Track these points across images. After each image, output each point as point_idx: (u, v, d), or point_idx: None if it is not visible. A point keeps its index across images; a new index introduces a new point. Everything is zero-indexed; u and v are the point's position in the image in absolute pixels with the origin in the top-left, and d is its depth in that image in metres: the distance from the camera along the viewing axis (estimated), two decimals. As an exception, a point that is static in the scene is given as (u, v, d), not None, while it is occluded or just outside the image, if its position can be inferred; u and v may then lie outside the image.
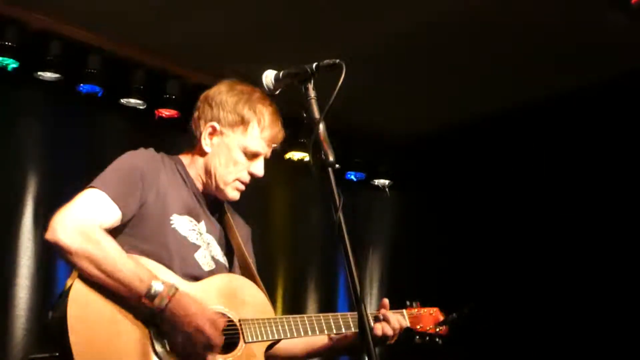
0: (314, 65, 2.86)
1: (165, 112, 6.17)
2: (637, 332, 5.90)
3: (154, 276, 3.03)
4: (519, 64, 6.04)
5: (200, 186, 3.49)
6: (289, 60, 3.23)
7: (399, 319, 3.61)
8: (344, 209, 2.64)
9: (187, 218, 3.35)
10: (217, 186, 3.46)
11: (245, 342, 3.22)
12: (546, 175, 6.58)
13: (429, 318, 3.82)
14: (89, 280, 3.02)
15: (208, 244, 3.40)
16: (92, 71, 5.91)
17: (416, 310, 3.80)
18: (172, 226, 3.28)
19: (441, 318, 3.85)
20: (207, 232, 3.43)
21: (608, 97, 6.18)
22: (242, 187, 3.49)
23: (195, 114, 3.53)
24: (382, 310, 3.59)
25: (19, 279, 5.50)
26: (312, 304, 7.05)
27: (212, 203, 3.54)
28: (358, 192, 7.53)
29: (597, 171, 6.25)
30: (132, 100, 6.12)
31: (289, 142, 6.90)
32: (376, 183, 7.69)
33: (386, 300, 3.64)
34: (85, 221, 3.06)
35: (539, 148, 6.62)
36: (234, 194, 3.48)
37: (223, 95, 3.50)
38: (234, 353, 3.19)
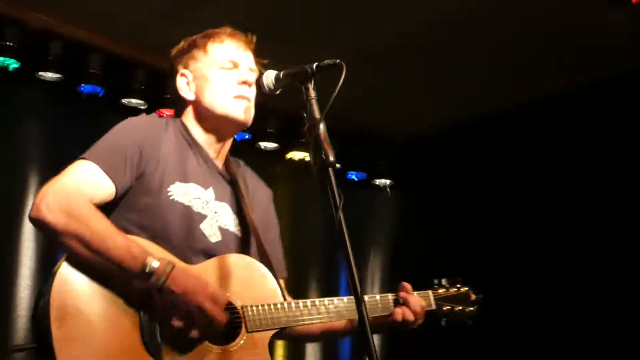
0: (314, 65, 2.86)
1: (167, 112, 6.15)
2: (637, 331, 5.91)
3: (148, 252, 2.87)
4: (519, 63, 6.04)
5: (207, 147, 3.34)
6: (289, 60, 3.24)
7: (420, 302, 3.42)
8: (344, 209, 2.63)
9: (192, 185, 3.20)
10: (219, 117, 3.29)
11: (247, 331, 3.04)
12: (547, 174, 6.58)
13: (459, 298, 3.63)
14: (77, 262, 2.88)
15: (216, 212, 3.24)
16: (93, 71, 5.92)
17: (444, 290, 3.62)
18: (172, 197, 3.12)
19: (473, 298, 3.65)
20: (217, 199, 3.27)
21: (608, 97, 6.19)
22: (244, 102, 3.31)
23: (172, 84, 3.45)
24: (402, 293, 3.42)
25: (20, 279, 5.50)
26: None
27: (224, 166, 3.39)
28: (359, 192, 7.54)
29: (597, 170, 6.25)
30: (134, 100, 6.13)
31: (289, 142, 6.95)
32: (377, 183, 7.70)
33: (407, 284, 3.46)
34: (72, 196, 2.91)
35: (540, 147, 6.63)
36: (239, 112, 3.29)
37: (177, 49, 3.45)
38: (234, 343, 3.01)
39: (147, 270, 2.83)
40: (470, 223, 6.97)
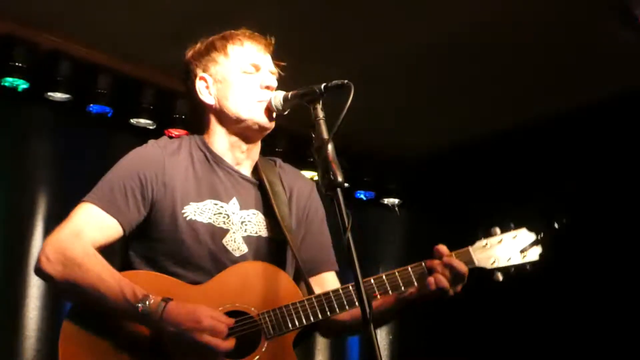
0: (322, 85, 2.87)
1: (175, 132, 6.17)
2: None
3: (140, 293, 2.88)
4: (528, 82, 6.04)
5: (231, 155, 3.27)
6: (298, 79, 3.25)
7: (453, 264, 3.11)
8: (353, 228, 2.61)
9: (210, 202, 3.15)
10: (244, 121, 3.21)
11: (266, 339, 2.99)
12: (554, 191, 6.56)
13: (512, 245, 3.22)
14: (79, 313, 2.96)
15: (242, 222, 3.17)
16: (102, 91, 5.93)
17: (487, 242, 3.25)
18: (188, 218, 3.10)
19: (531, 240, 3.21)
20: (243, 207, 3.21)
21: (617, 115, 6.18)
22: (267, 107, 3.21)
23: (188, 88, 3.36)
24: (429, 261, 3.18)
25: (28, 299, 5.49)
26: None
27: (252, 171, 3.32)
28: (367, 211, 7.52)
29: (606, 186, 6.24)
30: (142, 120, 6.13)
31: (297, 162, 6.95)
32: (386, 202, 7.69)
33: (440, 247, 3.23)
34: (70, 245, 2.95)
35: (548, 165, 6.61)
36: (264, 118, 3.20)
37: (194, 52, 3.38)
38: (255, 353, 2.97)
39: (140, 312, 2.86)
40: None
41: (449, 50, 5.67)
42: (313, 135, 2.82)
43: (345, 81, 2.80)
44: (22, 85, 5.63)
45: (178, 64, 3.50)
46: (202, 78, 3.30)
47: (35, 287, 5.52)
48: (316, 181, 3.34)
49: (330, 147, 2.73)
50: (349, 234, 2.60)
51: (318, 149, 2.76)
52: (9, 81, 5.59)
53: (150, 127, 6.16)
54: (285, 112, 3.21)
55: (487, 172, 7.05)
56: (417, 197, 7.62)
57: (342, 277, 7.19)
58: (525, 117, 6.50)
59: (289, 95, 3.11)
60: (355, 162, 6.98)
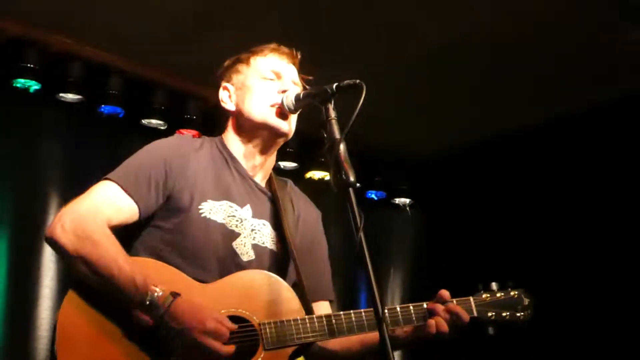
0: (334, 85, 2.87)
1: (186, 133, 6.17)
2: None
3: (151, 283, 2.84)
4: (540, 82, 6.03)
5: (247, 162, 3.29)
6: (310, 80, 3.26)
7: (457, 311, 3.17)
8: (364, 229, 2.62)
9: (226, 203, 3.16)
10: (258, 125, 3.24)
11: (264, 349, 2.96)
12: (566, 192, 6.55)
13: (508, 303, 3.30)
14: (85, 287, 2.91)
15: (252, 229, 3.18)
16: (113, 92, 5.95)
17: (488, 295, 3.30)
18: (203, 215, 3.10)
19: (526, 302, 3.32)
20: (255, 216, 3.21)
21: (626, 116, 6.17)
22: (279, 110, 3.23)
23: (217, 101, 3.41)
24: (432, 302, 3.22)
25: (41, 299, 5.50)
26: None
27: (266, 183, 3.34)
28: (379, 211, 7.51)
29: (616, 189, 6.23)
30: (154, 121, 6.14)
31: (309, 162, 6.95)
32: (397, 202, 7.68)
33: (443, 291, 3.24)
34: (88, 219, 2.93)
35: (558, 166, 6.61)
36: (279, 122, 3.22)
37: (222, 67, 3.45)
38: None
39: (146, 302, 2.83)
40: (490, 242, 6.94)
41: (460, 50, 5.67)
42: (325, 135, 2.81)
43: (357, 81, 2.80)
44: (33, 86, 5.65)
45: (189, 65, 3.53)
46: (225, 88, 3.38)
47: (47, 288, 5.54)
48: (328, 181, 3.37)
49: (342, 147, 2.73)
50: (362, 234, 2.60)
51: (330, 149, 2.76)
52: (20, 82, 5.62)
53: (162, 128, 6.17)
54: (297, 112, 3.22)
55: (498, 172, 7.04)
56: (428, 197, 7.62)
57: (353, 277, 7.22)
58: (537, 119, 6.49)
59: (301, 95, 3.12)
60: (366, 162, 6.97)
